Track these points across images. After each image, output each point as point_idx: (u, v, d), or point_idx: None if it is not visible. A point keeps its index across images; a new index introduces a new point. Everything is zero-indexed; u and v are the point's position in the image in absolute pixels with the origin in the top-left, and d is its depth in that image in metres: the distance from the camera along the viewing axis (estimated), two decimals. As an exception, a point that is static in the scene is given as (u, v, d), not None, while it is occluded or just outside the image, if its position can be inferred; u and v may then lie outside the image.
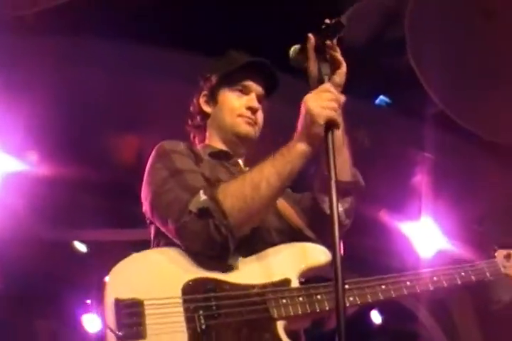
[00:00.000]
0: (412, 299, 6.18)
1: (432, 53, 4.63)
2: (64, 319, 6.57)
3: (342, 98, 2.27)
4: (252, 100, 2.71)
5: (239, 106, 2.70)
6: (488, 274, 2.56)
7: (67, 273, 6.11)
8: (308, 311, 2.23)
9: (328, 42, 2.31)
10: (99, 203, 5.88)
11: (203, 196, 2.22)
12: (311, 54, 2.36)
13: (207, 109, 2.79)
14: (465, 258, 5.82)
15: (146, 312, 2.10)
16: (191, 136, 2.86)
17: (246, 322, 2.16)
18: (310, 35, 2.35)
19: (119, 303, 2.11)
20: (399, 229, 5.94)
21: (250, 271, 2.29)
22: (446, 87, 4.80)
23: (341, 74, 2.43)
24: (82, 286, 6.04)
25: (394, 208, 5.71)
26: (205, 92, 2.80)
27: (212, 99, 2.77)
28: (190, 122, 2.85)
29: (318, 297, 2.25)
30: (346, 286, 2.22)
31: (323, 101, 2.20)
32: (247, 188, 2.23)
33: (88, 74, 4.95)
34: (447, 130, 5.19)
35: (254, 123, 2.70)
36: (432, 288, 2.42)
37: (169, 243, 2.35)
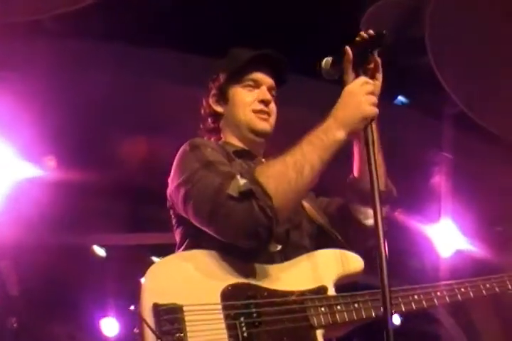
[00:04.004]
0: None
1: (452, 53, 4.61)
2: (82, 323, 6.58)
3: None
4: (263, 93, 2.66)
5: (251, 101, 2.65)
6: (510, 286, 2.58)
7: (86, 278, 6.12)
8: (347, 320, 2.22)
9: (371, 56, 2.33)
10: (118, 207, 5.87)
11: (242, 179, 2.15)
12: (348, 67, 2.37)
13: (218, 108, 2.72)
14: (483, 257, 5.84)
15: (186, 318, 2.04)
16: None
17: (286, 331, 2.13)
18: (347, 48, 2.35)
19: (157, 308, 2.04)
20: (419, 230, 5.92)
21: (287, 278, 2.27)
22: (467, 86, 4.77)
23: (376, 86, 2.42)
24: (101, 290, 6.05)
25: (413, 208, 5.69)
26: (214, 92, 2.74)
27: (223, 97, 2.71)
28: (202, 126, 2.78)
29: (356, 305, 2.24)
30: None
31: (369, 97, 2.25)
32: (290, 171, 2.16)
33: (102, 78, 4.94)
34: (466, 130, 5.17)
35: (268, 117, 2.66)
36: (460, 299, 2.45)
37: (198, 245, 2.30)
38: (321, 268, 2.32)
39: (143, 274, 2.15)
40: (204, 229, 2.25)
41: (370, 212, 2.25)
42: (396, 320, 6.90)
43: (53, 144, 5.18)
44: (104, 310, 6.47)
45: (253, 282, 2.19)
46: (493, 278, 2.55)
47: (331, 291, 2.27)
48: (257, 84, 2.68)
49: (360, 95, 2.25)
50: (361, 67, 2.32)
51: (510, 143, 5.16)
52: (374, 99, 2.26)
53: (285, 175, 2.17)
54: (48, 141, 5.06)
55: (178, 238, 2.49)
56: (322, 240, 2.52)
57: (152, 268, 2.16)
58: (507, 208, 5.73)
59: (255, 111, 2.64)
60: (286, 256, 2.35)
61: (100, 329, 6.67)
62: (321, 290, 2.26)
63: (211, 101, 2.74)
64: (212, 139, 2.72)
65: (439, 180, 5.56)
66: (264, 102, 2.65)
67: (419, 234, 5.95)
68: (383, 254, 1.80)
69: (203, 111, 2.79)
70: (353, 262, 2.36)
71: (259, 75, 2.69)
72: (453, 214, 5.79)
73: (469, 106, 4.90)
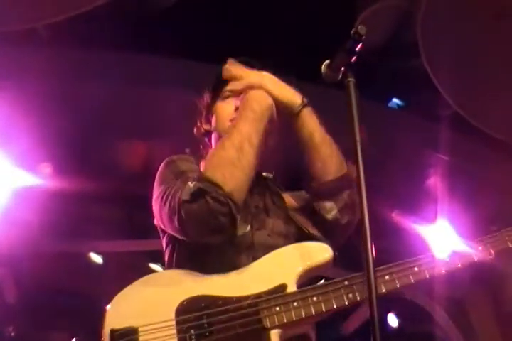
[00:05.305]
0: (429, 300, 6.19)
1: (445, 55, 4.64)
2: (80, 331, 6.54)
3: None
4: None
5: (229, 112, 2.65)
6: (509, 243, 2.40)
7: (83, 285, 6.10)
8: (303, 316, 2.18)
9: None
10: (114, 214, 5.87)
11: (192, 183, 2.19)
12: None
13: (207, 127, 2.77)
14: (480, 258, 5.85)
15: (141, 338, 2.12)
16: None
17: (238, 336, 2.13)
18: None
19: (113, 334, 2.14)
20: (414, 231, 5.93)
21: (246, 281, 2.26)
22: (460, 88, 4.80)
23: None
24: (98, 298, 6.02)
25: (409, 210, 5.70)
26: (203, 112, 2.80)
27: (210, 115, 2.76)
28: (201, 146, 2.82)
29: (314, 299, 2.20)
30: (346, 283, 2.23)
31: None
32: (230, 153, 2.24)
33: (98, 85, 4.95)
34: (461, 131, 5.20)
35: None
36: (444, 271, 2.35)
37: (181, 253, 2.37)
38: (283, 266, 2.29)
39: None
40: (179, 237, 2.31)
41: (327, 205, 2.41)
42: (393, 321, 6.93)
43: (50, 152, 5.18)
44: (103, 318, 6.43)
45: (209, 293, 2.22)
46: (485, 238, 2.41)
47: (292, 288, 2.23)
48: (235, 94, 2.67)
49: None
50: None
51: (504, 143, 5.19)
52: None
53: (227, 158, 2.23)
54: (45, 148, 5.06)
55: (164, 246, 2.54)
56: (296, 237, 2.49)
57: (117, 296, 2.25)
58: (503, 208, 5.76)
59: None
60: (254, 258, 2.35)
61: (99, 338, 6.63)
62: (280, 288, 2.23)
63: (202, 121, 2.80)
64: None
65: (435, 181, 5.58)
66: None
67: (415, 235, 5.96)
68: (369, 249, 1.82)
69: (196, 132, 2.83)
70: (319, 252, 2.32)
71: None
72: (449, 216, 5.80)
73: (462, 107, 4.93)
